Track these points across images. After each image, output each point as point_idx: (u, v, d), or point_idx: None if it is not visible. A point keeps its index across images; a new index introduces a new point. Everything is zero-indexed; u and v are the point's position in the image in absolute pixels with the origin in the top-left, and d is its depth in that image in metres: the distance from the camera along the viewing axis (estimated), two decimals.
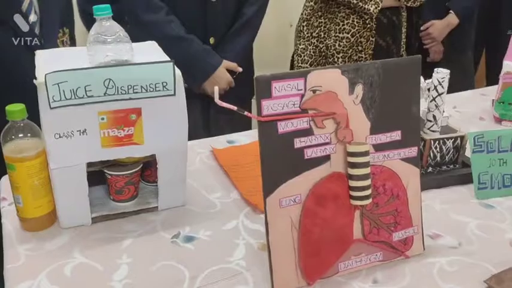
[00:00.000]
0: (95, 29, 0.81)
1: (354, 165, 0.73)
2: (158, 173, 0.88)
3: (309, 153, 0.72)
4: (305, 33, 1.71)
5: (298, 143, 0.71)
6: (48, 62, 0.82)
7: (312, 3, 1.70)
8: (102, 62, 0.81)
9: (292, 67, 1.82)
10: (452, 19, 2.06)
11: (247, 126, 1.39)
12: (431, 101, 0.99)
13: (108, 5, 0.80)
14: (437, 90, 0.98)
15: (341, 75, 0.72)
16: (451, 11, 2.07)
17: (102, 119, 0.80)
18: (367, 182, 0.73)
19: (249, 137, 1.21)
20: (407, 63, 0.77)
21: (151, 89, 0.81)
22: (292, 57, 1.79)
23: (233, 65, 1.55)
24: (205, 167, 1.09)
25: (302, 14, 1.72)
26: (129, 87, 0.79)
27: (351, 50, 1.65)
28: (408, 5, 1.65)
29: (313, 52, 1.70)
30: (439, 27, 2.06)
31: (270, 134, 0.69)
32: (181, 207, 0.93)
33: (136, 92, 0.80)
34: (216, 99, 0.62)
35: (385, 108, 0.75)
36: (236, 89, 1.54)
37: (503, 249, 0.82)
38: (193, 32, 1.49)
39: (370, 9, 1.57)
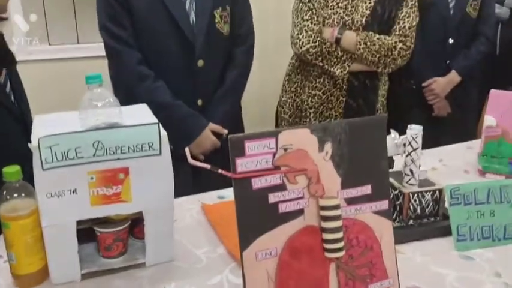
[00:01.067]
0: (87, 95, 0.88)
1: (326, 219, 0.77)
2: (145, 229, 0.92)
3: (283, 208, 0.76)
4: (286, 87, 1.83)
5: (272, 198, 0.75)
6: (42, 127, 0.88)
7: (293, 61, 1.81)
8: (93, 126, 0.87)
9: (276, 117, 1.93)
10: (454, 76, 2.14)
11: None
12: (407, 156, 1.04)
13: (100, 74, 0.88)
14: (412, 146, 1.02)
15: (310, 134, 0.77)
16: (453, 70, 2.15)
17: (92, 178, 0.86)
18: (340, 235, 0.77)
19: None
20: (372, 121, 0.82)
21: (138, 150, 0.87)
22: (277, 107, 1.90)
23: (218, 128, 1.61)
24: (195, 223, 1.13)
25: (286, 69, 1.84)
26: (117, 148, 0.85)
27: (321, 107, 1.74)
28: (379, 70, 1.72)
29: (292, 105, 1.81)
30: (441, 84, 2.14)
31: (244, 190, 0.74)
32: (169, 263, 0.96)
33: (124, 153, 0.86)
34: (189, 159, 0.68)
35: (355, 163, 0.80)
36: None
37: None
38: (182, 94, 1.56)
39: (336, 72, 1.67)
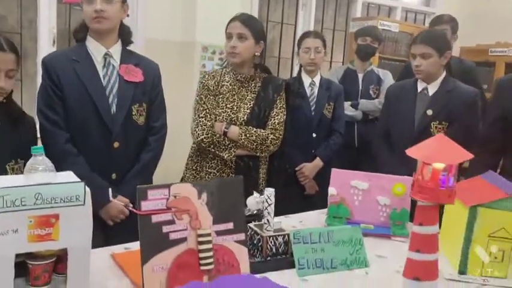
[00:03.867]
0: (31, 161, 1.21)
1: (201, 243, 1.14)
2: (68, 262, 1.21)
3: (173, 236, 1.13)
4: (189, 165, 2.26)
5: (165, 229, 1.12)
6: None
7: (194, 145, 2.25)
8: (34, 183, 1.19)
9: None
10: (318, 162, 2.72)
11: None
12: (264, 210, 1.46)
13: (42, 146, 1.22)
14: (267, 202, 1.46)
15: (192, 187, 1.17)
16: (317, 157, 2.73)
17: (30, 221, 1.16)
18: (211, 254, 1.14)
19: None
20: (232, 182, 1.24)
21: (68, 200, 1.19)
22: (181, 181, 2.30)
23: (125, 201, 1.91)
24: (106, 266, 1.42)
25: (189, 152, 2.27)
26: (52, 199, 1.17)
27: None
28: (257, 155, 2.21)
29: (193, 181, 2.22)
30: (309, 168, 2.69)
31: (146, 223, 1.10)
32: None
33: (57, 203, 1.18)
34: (110, 198, 1.04)
35: (221, 208, 1.20)
36: None
37: None
38: (98, 168, 1.89)
39: (224, 157, 2.14)
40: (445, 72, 2.37)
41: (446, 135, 2.20)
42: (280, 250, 1.47)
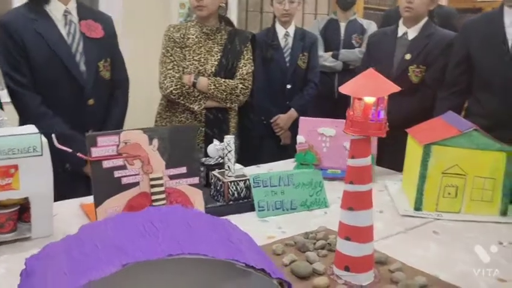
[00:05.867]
0: None
1: (154, 187, 1.19)
2: (31, 210, 1.27)
3: (125, 180, 1.17)
4: (158, 122, 2.27)
5: (117, 174, 1.16)
6: None
7: (163, 102, 2.27)
8: None
9: None
10: (292, 113, 2.75)
11: None
12: (225, 156, 1.50)
13: None
14: (227, 149, 1.49)
15: (143, 133, 1.21)
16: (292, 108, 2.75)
17: None
18: (163, 196, 1.19)
19: None
20: (187, 129, 1.28)
21: (25, 151, 1.23)
22: None
23: None
24: (74, 215, 1.48)
25: (158, 108, 2.29)
26: (9, 150, 1.21)
27: None
28: (227, 106, 2.24)
29: None
30: (283, 120, 2.73)
31: (98, 168, 1.14)
32: (49, 236, 1.30)
33: (15, 153, 1.22)
34: (56, 144, 1.07)
35: (174, 153, 1.24)
36: None
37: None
38: (75, 125, 1.92)
39: (194, 108, 2.16)
40: (427, 17, 2.36)
41: (424, 79, 2.27)
42: (242, 195, 1.52)
